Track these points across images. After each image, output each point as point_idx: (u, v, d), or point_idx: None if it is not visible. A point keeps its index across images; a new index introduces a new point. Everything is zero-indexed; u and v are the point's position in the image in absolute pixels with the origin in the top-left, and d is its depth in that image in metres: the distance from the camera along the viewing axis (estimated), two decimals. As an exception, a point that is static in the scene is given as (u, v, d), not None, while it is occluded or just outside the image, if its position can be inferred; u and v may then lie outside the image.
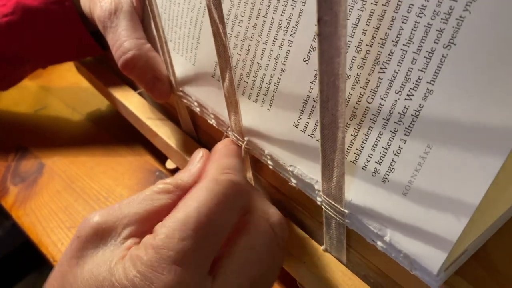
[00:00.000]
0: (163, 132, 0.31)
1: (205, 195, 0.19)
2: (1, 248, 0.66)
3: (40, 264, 0.69)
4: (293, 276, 0.22)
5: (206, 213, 0.18)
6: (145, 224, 0.19)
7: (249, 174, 0.25)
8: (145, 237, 0.18)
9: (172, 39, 0.27)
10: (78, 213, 0.35)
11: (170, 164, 0.34)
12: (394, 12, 0.16)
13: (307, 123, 0.19)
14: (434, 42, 0.15)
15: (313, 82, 0.19)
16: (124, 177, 0.38)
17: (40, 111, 0.48)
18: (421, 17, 0.15)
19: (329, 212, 0.18)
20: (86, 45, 0.36)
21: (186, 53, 0.26)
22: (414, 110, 0.16)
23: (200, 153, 0.23)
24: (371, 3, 0.16)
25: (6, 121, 0.46)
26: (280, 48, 0.20)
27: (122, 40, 0.27)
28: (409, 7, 0.15)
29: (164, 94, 0.28)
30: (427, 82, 0.15)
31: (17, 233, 0.42)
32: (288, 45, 0.20)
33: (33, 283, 0.69)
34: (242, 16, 0.21)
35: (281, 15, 0.20)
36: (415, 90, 0.15)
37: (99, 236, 0.19)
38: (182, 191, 0.20)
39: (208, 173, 0.21)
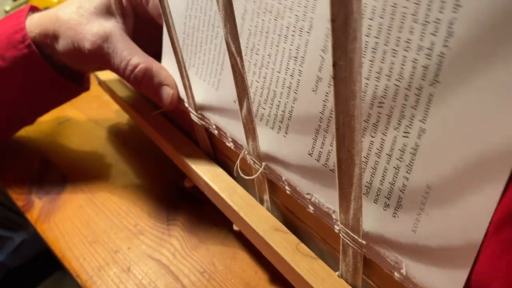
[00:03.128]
0: (182, 151, 0.32)
1: None
2: (27, 252, 0.69)
3: (64, 265, 0.71)
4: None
5: None
6: None
7: (266, 197, 0.25)
8: None
9: (195, 64, 0.28)
10: (99, 228, 0.36)
11: (188, 182, 0.34)
12: (385, 45, 0.16)
13: (320, 153, 0.19)
14: (421, 79, 0.15)
15: (322, 112, 0.19)
16: (145, 192, 0.39)
17: (63, 123, 0.49)
18: (407, 51, 0.15)
19: (347, 241, 0.18)
20: (69, 90, 0.37)
21: (209, 78, 0.27)
22: (411, 148, 0.15)
23: None
24: (365, 35, 0.16)
25: (30, 133, 0.47)
26: (292, 77, 0.20)
27: (128, 59, 0.29)
28: (397, 39, 0.15)
29: (173, 99, 0.29)
30: (419, 120, 0.15)
31: (41, 238, 0.43)
32: (298, 75, 0.20)
33: (57, 282, 0.71)
34: (259, 45, 0.22)
35: (291, 44, 0.20)
36: (410, 128, 0.15)
37: None
38: None
39: None
